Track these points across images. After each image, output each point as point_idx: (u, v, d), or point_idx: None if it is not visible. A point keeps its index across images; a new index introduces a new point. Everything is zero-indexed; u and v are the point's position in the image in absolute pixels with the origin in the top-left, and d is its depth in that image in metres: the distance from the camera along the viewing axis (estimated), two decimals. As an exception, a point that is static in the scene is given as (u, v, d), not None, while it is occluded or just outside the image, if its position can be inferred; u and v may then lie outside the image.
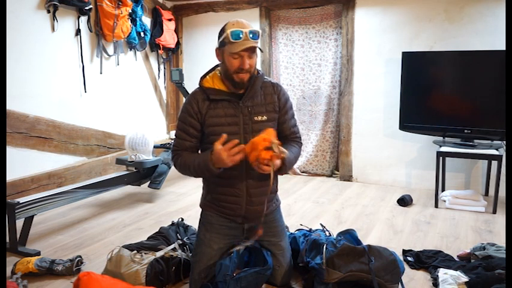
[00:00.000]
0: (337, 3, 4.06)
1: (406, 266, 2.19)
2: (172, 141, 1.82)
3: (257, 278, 1.86)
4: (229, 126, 1.84)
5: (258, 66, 4.36)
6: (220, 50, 1.82)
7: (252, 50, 1.76)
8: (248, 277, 1.83)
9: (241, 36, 1.72)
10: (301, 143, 2.06)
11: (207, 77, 1.92)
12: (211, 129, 1.85)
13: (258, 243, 2.01)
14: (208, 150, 1.78)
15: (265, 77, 1.97)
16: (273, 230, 2.02)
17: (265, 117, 1.88)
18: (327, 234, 2.30)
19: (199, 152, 1.97)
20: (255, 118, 1.86)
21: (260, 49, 1.81)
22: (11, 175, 3.05)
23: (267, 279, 1.96)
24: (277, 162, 1.71)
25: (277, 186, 2.06)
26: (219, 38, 1.82)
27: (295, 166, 4.35)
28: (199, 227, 2.03)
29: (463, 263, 2.19)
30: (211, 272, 1.89)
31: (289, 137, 1.98)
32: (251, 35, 1.73)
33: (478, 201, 3.23)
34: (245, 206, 1.91)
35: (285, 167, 1.79)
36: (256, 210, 1.91)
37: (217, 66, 1.93)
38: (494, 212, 3.12)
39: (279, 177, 2.03)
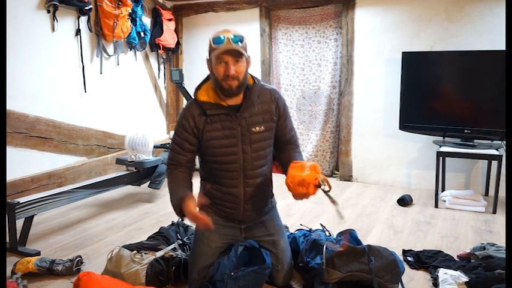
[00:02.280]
0: (337, 3, 4.06)
1: (406, 266, 2.19)
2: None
3: (256, 277, 1.85)
4: (227, 139, 1.85)
5: (258, 66, 4.39)
6: (209, 60, 1.82)
7: (235, 55, 1.73)
8: (246, 276, 1.82)
9: (222, 40, 1.70)
10: (299, 146, 2.07)
11: (202, 89, 1.90)
12: (210, 143, 1.86)
13: (257, 243, 2.01)
14: (185, 195, 1.75)
15: (262, 83, 1.94)
16: (271, 229, 2.04)
17: (262, 128, 1.88)
18: (327, 234, 2.30)
19: (199, 163, 2.01)
20: (253, 129, 1.86)
21: (244, 54, 1.75)
22: (11, 175, 3.05)
23: (267, 279, 1.95)
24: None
25: (272, 191, 2.10)
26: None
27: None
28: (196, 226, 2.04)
29: (463, 263, 2.19)
30: (210, 271, 1.89)
31: (290, 141, 2.00)
32: (234, 40, 1.70)
33: (478, 201, 3.23)
34: (242, 212, 1.95)
35: None
36: (252, 216, 1.98)
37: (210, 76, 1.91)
38: (494, 212, 3.12)
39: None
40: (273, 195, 2.11)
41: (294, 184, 1.67)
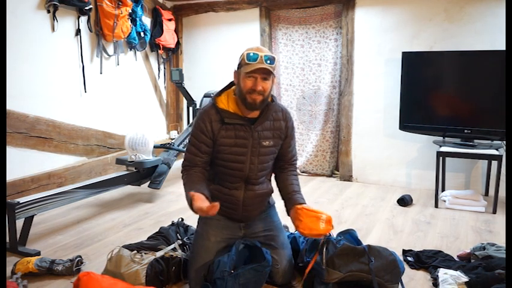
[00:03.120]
0: (337, 3, 4.06)
1: (406, 266, 2.19)
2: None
3: (255, 275, 1.86)
4: (238, 148, 1.94)
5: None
6: (237, 72, 1.91)
7: (265, 73, 1.83)
8: (246, 274, 1.83)
9: (256, 58, 1.81)
10: (297, 166, 2.19)
11: (222, 96, 1.98)
12: (221, 148, 1.95)
13: (257, 241, 2.02)
14: (194, 192, 1.78)
15: (277, 102, 2.05)
16: (270, 225, 2.10)
17: (271, 143, 1.99)
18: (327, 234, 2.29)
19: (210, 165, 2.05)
20: (263, 143, 1.97)
21: (273, 74, 1.85)
22: (11, 175, 3.05)
23: (267, 277, 1.95)
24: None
25: (271, 195, 2.17)
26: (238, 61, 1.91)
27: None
28: (198, 223, 2.10)
29: (463, 263, 2.19)
30: (210, 269, 1.90)
31: (289, 160, 2.12)
32: (266, 59, 1.82)
33: (478, 201, 3.23)
34: (241, 212, 2.04)
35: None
36: (249, 216, 2.07)
37: (232, 84, 2.00)
38: (494, 212, 3.12)
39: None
40: (271, 194, 2.16)
41: (309, 235, 1.90)
